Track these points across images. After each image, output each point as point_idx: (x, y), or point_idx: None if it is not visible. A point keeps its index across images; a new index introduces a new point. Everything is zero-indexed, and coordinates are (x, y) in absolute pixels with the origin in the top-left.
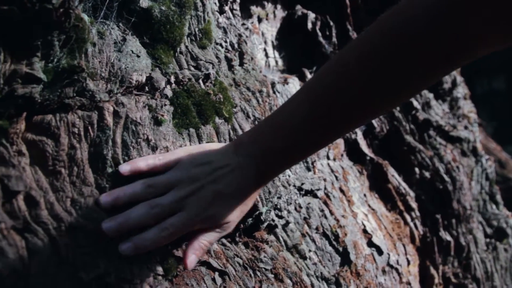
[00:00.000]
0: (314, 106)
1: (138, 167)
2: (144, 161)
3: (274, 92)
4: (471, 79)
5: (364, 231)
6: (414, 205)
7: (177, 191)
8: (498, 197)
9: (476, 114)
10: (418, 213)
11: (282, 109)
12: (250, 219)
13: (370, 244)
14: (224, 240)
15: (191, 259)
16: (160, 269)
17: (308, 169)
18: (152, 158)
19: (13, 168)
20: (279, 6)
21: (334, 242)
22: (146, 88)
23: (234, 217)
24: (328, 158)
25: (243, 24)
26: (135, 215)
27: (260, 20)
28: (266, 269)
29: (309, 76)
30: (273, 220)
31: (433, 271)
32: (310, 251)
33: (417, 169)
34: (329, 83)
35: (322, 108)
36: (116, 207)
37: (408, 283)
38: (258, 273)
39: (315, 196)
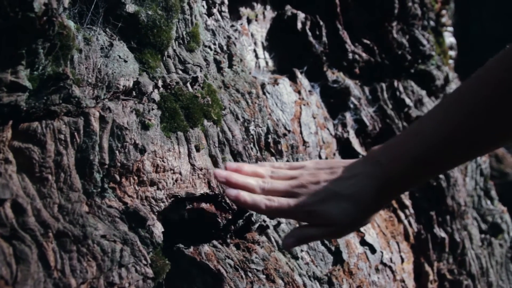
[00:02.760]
0: (459, 113)
1: (263, 164)
2: (269, 163)
3: (264, 93)
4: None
5: (357, 230)
6: (408, 202)
7: (293, 181)
8: (493, 193)
9: None
10: (412, 211)
11: (421, 118)
12: (241, 220)
13: (363, 242)
14: (215, 242)
15: (289, 241)
16: (150, 272)
17: None
18: (278, 162)
19: None
20: (268, 7)
21: (326, 242)
22: (134, 93)
23: (344, 221)
24: (320, 157)
25: (232, 25)
26: (246, 179)
27: (249, 21)
28: (257, 270)
29: (299, 76)
30: (264, 221)
31: (427, 268)
32: (302, 251)
33: None
34: (481, 94)
35: (470, 117)
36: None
37: (402, 281)
38: (250, 274)
39: None
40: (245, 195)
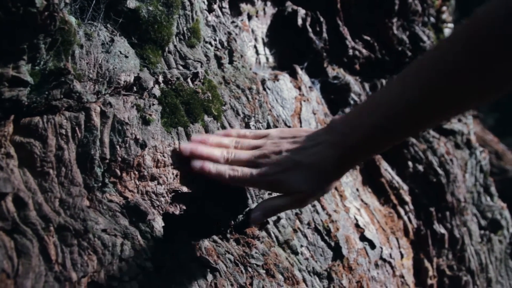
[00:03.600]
0: (416, 84)
1: (229, 132)
2: (235, 131)
3: (264, 89)
4: None
5: (357, 225)
6: (407, 198)
7: (257, 151)
8: (493, 189)
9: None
10: (411, 207)
11: (381, 88)
12: (241, 215)
13: (363, 238)
14: (215, 237)
15: (256, 215)
16: (150, 266)
17: None
18: (243, 130)
19: (1, 170)
20: (269, 3)
21: (326, 237)
22: (134, 88)
23: (307, 189)
24: None
25: (233, 22)
26: (210, 150)
27: (250, 17)
28: (257, 265)
29: (300, 72)
30: None
31: (427, 263)
32: (302, 246)
33: (410, 163)
34: (438, 63)
35: (426, 88)
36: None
37: (402, 276)
38: (250, 269)
39: None
40: (209, 166)
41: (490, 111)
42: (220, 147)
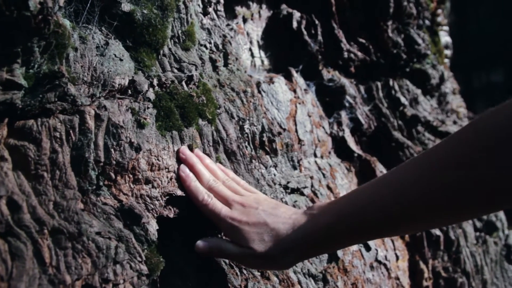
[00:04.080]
0: (390, 192)
1: (227, 171)
2: (233, 174)
3: (259, 92)
4: (468, 73)
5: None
6: None
7: (238, 196)
8: None
9: (469, 109)
10: None
11: (359, 188)
12: None
13: None
14: None
15: (202, 245)
16: (144, 269)
17: (294, 168)
18: (240, 179)
19: None
20: (264, 6)
21: None
22: (129, 92)
23: (261, 250)
24: (315, 155)
25: (228, 24)
26: (202, 169)
27: (245, 20)
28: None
29: (295, 74)
30: None
31: (422, 265)
32: None
33: None
34: (416, 177)
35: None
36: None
37: (397, 278)
38: (244, 271)
39: (302, 194)
40: (192, 180)
41: None
42: (211, 173)
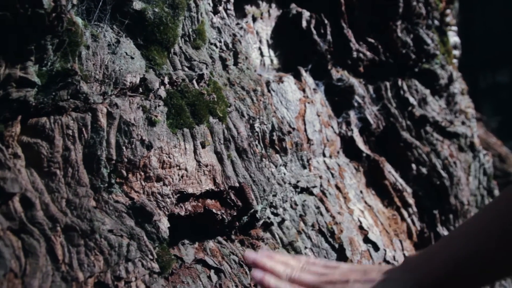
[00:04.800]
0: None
1: (298, 257)
2: (305, 258)
3: (269, 91)
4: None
5: (360, 227)
6: (411, 201)
7: (323, 276)
8: (496, 192)
9: (475, 109)
10: (415, 209)
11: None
12: (246, 217)
13: (366, 240)
14: (220, 238)
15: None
16: (156, 267)
17: (304, 167)
18: (314, 259)
19: (8, 171)
20: (273, 5)
21: (330, 239)
22: (140, 89)
23: None
24: (324, 155)
25: (238, 23)
26: (274, 264)
27: (254, 19)
28: None
29: (304, 74)
30: (269, 218)
31: None
32: (306, 248)
33: (414, 165)
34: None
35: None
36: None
37: None
38: None
39: (311, 193)
40: (270, 279)
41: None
42: (284, 266)
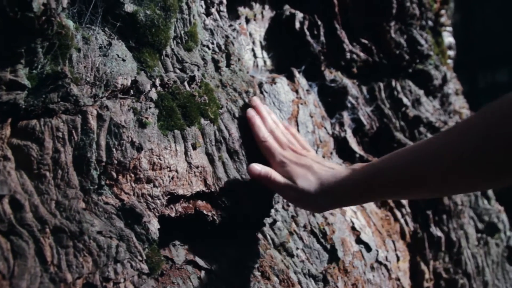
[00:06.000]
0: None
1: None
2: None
3: (261, 92)
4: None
5: (353, 228)
6: (404, 201)
7: (290, 143)
8: (490, 192)
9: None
10: (408, 209)
11: (398, 151)
12: (237, 218)
13: (359, 241)
14: (211, 239)
15: (254, 167)
16: (145, 268)
17: None
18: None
19: None
20: (267, 7)
21: (322, 240)
22: (131, 92)
23: (303, 188)
24: None
25: (231, 25)
26: (266, 116)
27: (247, 20)
28: (252, 267)
29: (297, 75)
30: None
31: (423, 266)
32: (297, 248)
33: None
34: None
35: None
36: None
37: (398, 279)
38: (245, 271)
39: None
40: (258, 119)
41: None
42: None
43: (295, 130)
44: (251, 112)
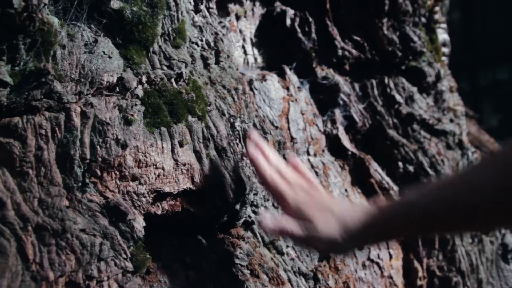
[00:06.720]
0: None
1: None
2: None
3: (251, 89)
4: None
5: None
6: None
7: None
8: None
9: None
10: None
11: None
12: (226, 216)
13: None
14: (199, 237)
15: (268, 221)
16: (129, 266)
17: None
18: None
19: None
20: (257, 3)
21: None
22: (117, 89)
23: (326, 233)
24: (308, 153)
25: (220, 22)
26: (269, 154)
27: (238, 17)
28: (241, 265)
29: (288, 72)
30: (250, 217)
31: (417, 264)
32: (287, 246)
33: (400, 163)
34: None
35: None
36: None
37: (390, 277)
38: (233, 269)
39: None
40: (261, 159)
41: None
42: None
43: (297, 160)
44: (251, 148)
